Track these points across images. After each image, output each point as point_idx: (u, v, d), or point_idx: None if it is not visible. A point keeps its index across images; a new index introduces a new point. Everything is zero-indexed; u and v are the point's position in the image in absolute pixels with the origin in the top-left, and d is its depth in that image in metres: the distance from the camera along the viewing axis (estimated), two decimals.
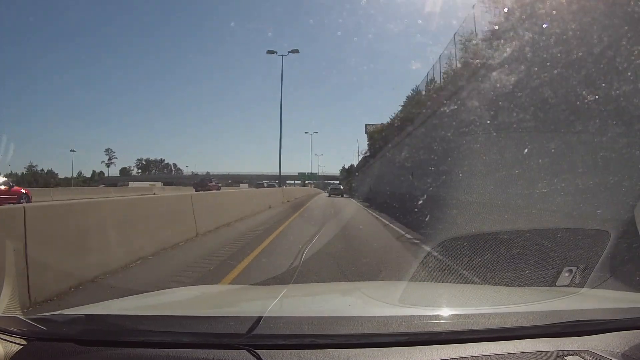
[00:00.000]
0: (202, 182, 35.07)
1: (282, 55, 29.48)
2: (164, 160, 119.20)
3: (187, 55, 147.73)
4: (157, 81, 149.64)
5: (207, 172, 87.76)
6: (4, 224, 3.60)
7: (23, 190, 18.36)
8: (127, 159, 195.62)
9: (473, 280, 4.55)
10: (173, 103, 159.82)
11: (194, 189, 29.71)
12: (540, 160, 7.86)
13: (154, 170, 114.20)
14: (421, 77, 28.67)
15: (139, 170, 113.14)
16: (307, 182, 74.89)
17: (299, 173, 73.66)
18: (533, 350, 1.22)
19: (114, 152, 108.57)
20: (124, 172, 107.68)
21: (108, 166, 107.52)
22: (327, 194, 36.82)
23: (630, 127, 6.12)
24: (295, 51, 30.80)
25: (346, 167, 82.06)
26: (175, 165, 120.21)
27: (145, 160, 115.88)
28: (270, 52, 29.68)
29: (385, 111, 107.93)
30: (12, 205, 5.17)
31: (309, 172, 76.82)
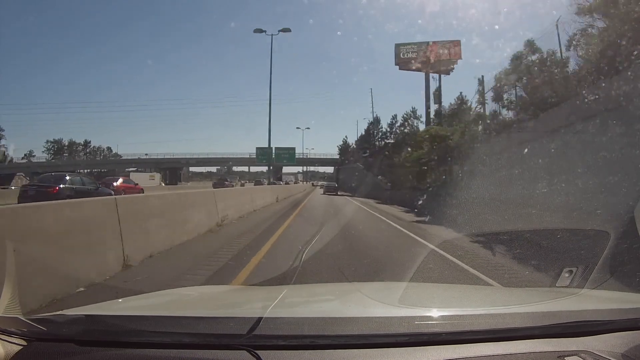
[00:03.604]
0: (221, 181, 47.91)
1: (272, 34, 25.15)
2: (89, 142, 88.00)
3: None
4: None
5: (167, 157, 70.52)
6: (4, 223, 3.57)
7: (141, 187, 23.08)
8: (30, 142, 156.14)
9: None
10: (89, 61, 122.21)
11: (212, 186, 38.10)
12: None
13: (77, 155, 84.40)
14: None
15: (51, 156, 79.89)
16: (284, 170, 53.39)
17: (257, 148, 38.85)
18: (533, 351, 1.22)
19: (4, 131, 69.90)
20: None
21: None
22: (322, 192, 39.84)
23: (630, 127, 6.13)
24: (287, 29, 26.89)
25: (348, 142, 57.99)
26: (110, 148, 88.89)
27: (57, 141, 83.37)
28: (259, 30, 26.02)
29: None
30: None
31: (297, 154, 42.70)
